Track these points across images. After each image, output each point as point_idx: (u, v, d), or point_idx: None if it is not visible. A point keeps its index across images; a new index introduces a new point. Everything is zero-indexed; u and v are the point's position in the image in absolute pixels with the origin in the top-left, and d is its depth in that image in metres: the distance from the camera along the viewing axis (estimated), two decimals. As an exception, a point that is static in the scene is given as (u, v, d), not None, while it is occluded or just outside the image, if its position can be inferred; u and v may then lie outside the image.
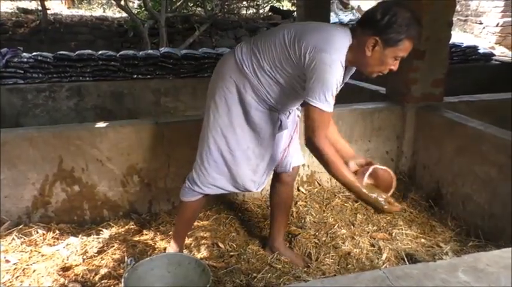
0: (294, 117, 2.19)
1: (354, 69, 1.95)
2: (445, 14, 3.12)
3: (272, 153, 2.13)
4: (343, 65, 1.74)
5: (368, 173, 1.82)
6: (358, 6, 11.93)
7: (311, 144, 1.83)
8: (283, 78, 1.88)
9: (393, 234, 2.63)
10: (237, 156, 2.02)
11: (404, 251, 2.46)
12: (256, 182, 2.12)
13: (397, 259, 2.41)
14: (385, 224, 2.75)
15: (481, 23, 11.06)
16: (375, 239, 2.58)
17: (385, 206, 1.80)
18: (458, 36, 9.70)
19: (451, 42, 3.30)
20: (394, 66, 1.78)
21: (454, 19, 3.54)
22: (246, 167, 2.05)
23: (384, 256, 2.41)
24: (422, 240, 2.58)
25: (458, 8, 11.06)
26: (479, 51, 6.04)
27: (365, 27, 1.74)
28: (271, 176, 2.30)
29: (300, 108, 2.20)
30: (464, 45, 6.06)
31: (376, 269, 1.12)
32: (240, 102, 1.96)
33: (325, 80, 1.71)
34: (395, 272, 1.08)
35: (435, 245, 2.54)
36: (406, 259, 2.40)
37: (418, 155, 3.20)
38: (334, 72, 1.71)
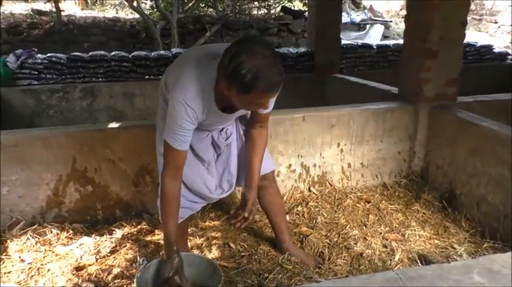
0: (235, 133, 2.13)
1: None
2: (458, 13, 3.08)
3: (221, 167, 2.11)
4: (189, 105, 1.68)
5: None
6: (370, 6, 11.85)
7: (160, 176, 1.88)
8: None
9: (406, 235, 2.60)
10: (185, 171, 1.97)
11: (418, 252, 2.44)
12: (211, 189, 2.10)
13: (410, 261, 2.39)
14: (397, 225, 2.72)
15: (496, 22, 10.93)
16: (387, 240, 2.56)
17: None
18: (473, 36, 9.59)
19: (465, 41, 3.27)
20: (264, 107, 1.67)
21: (469, 18, 3.50)
22: (196, 177, 2.04)
23: (397, 257, 2.39)
24: (436, 241, 2.55)
25: (472, 7, 10.94)
26: (494, 50, 5.96)
27: (220, 66, 1.60)
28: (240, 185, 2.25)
29: (243, 122, 2.15)
30: (479, 44, 5.99)
31: (388, 270, 1.11)
32: None
33: (172, 118, 1.73)
34: (408, 273, 1.07)
35: (449, 246, 2.51)
36: (419, 261, 2.37)
37: (431, 156, 3.17)
38: (177, 111, 1.69)
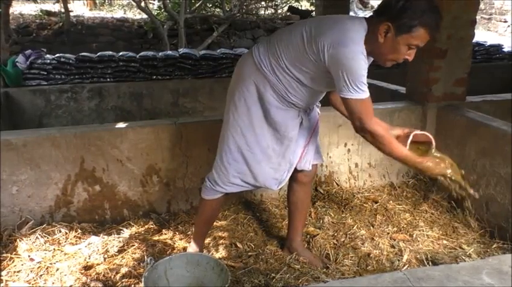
0: (314, 114, 2.19)
1: (371, 59, 1.93)
2: (467, 12, 3.06)
3: (293, 151, 2.13)
4: (365, 54, 1.74)
5: (410, 140, 1.87)
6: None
7: (363, 131, 1.85)
8: (302, 76, 1.89)
9: (414, 235, 2.59)
10: (257, 154, 2.03)
11: (426, 253, 2.42)
12: (277, 180, 2.14)
13: (418, 261, 2.37)
14: (405, 225, 2.71)
15: (505, 22, 10.84)
16: (395, 240, 2.55)
17: (448, 170, 1.86)
18: (482, 35, 9.52)
19: (474, 41, 3.24)
20: (409, 56, 1.76)
21: (478, 17, 3.47)
22: (267, 165, 2.06)
23: (405, 257, 2.38)
24: (444, 242, 2.54)
25: (482, 6, 10.86)
26: (503, 50, 5.92)
27: (379, 13, 1.74)
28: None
29: (319, 105, 2.20)
30: (488, 43, 5.95)
31: (396, 271, 1.10)
32: (259, 102, 1.98)
33: (352, 72, 1.72)
34: (416, 273, 1.07)
35: (458, 247, 2.49)
36: (427, 261, 2.36)
37: (440, 156, 3.15)
38: (358, 62, 1.71)
